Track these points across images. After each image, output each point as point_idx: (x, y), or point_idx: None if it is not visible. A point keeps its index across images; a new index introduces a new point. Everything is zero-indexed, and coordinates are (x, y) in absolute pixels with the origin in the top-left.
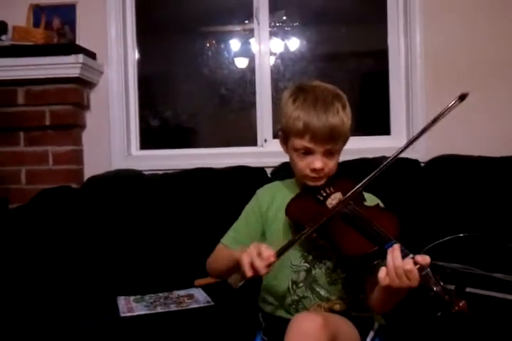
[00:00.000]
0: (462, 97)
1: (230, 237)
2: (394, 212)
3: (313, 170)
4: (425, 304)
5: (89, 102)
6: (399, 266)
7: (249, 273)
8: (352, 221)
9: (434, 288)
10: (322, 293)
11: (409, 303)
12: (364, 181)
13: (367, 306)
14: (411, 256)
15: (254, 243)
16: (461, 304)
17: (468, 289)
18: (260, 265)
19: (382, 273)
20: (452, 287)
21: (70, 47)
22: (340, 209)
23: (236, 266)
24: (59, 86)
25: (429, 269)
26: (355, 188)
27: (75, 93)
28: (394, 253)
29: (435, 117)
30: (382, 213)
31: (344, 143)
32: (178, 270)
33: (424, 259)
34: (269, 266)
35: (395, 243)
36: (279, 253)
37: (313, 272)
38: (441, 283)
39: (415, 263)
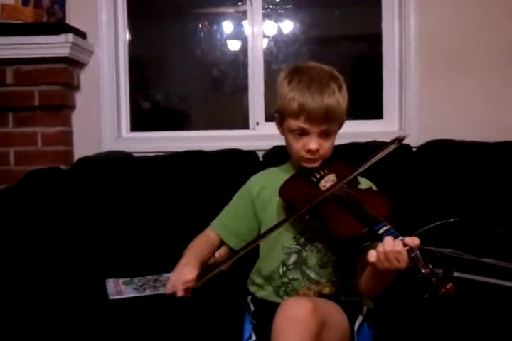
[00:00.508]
0: (400, 140)
1: (220, 222)
2: (386, 196)
3: (309, 151)
4: (412, 286)
5: (79, 83)
6: (389, 246)
7: (168, 290)
8: (344, 203)
9: (422, 270)
10: (312, 275)
11: (398, 287)
12: (358, 167)
13: (356, 290)
14: (400, 237)
15: (183, 263)
16: (448, 286)
17: (457, 274)
18: (179, 287)
19: (371, 253)
20: (440, 271)
21: (60, 27)
22: (333, 192)
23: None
24: (48, 66)
25: (418, 251)
26: (351, 176)
27: (65, 73)
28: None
29: (371, 156)
30: (375, 196)
31: (340, 125)
32: (168, 252)
33: (413, 241)
34: (189, 289)
35: (386, 225)
36: (240, 250)
37: (304, 254)
38: (430, 266)
39: (404, 244)
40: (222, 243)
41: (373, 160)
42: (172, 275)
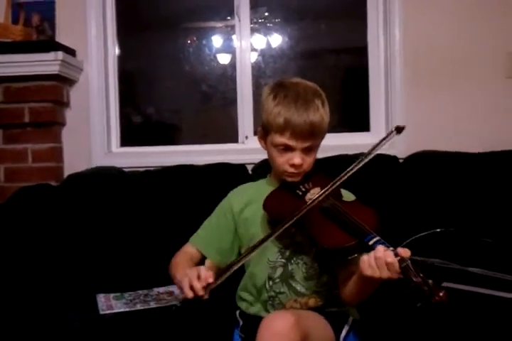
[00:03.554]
0: (398, 130)
1: (199, 237)
2: (372, 207)
3: (292, 165)
4: (405, 295)
5: (69, 99)
6: (381, 258)
7: (189, 294)
8: (332, 215)
9: (414, 279)
10: (298, 288)
11: (384, 297)
12: (342, 175)
13: (341, 301)
14: (391, 248)
15: (194, 266)
16: (441, 294)
17: (446, 284)
18: (197, 286)
19: (364, 264)
20: (430, 280)
21: (49, 44)
22: (319, 204)
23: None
24: (38, 83)
25: (409, 261)
26: (334, 181)
27: (55, 90)
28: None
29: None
30: (361, 207)
31: (322, 139)
32: (158, 267)
33: (405, 252)
34: (207, 287)
35: (375, 236)
36: (233, 263)
37: (289, 268)
38: (421, 275)
39: (396, 255)
40: (201, 259)
41: (356, 168)
42: (184, 281)
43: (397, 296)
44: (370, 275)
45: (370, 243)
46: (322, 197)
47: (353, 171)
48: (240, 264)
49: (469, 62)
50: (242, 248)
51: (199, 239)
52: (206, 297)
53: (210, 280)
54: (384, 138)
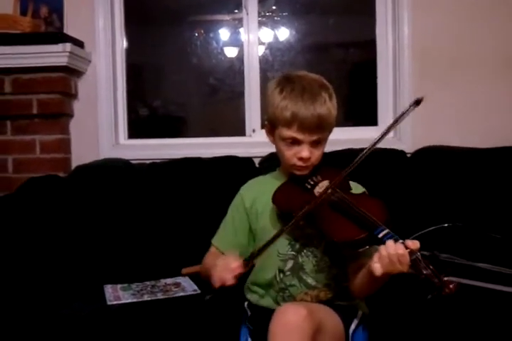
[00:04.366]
0: (417, 102)
1: (219, 237)
2: (380, 199)
3: (301, 158)
4: (416, 287)
5: (77, 91)
6: (391, 250)
7: (217, 283)
8: (340, 208)
9: (424, 272)
10: (309, 280)
11: (393, 291)
12: (349, 167)
13: (351, 294)
14: (401, 241)
15: (224, 256)
16: (451, 286)
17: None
18: (227, 276)
19: (376, 267)
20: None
21: (58, 36)
22: (328, 197)
23: None
24: (46, 75)
25: (419, 253)
26: (346, 169)
27: (63, 82)
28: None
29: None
30: (369, 200)
31: (330, 132)
32: (166, 258)
33: (414, 244)
34: (237, 276)
35: (385, 229)
36: (254, 255)
37: (300, 260)
38: (431, 267)
39: (406, 247)
40: None
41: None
42: (214, 272)
43: (407, 289)
44: (384, 271)
45: (380, 235)
46: (329, 190)
47: (363, 157)
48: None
49: (478, 57)
50: (257, 242)
51: (217, 237)
52: (235, 283)
53: (239, 270)
54: (404, 113)
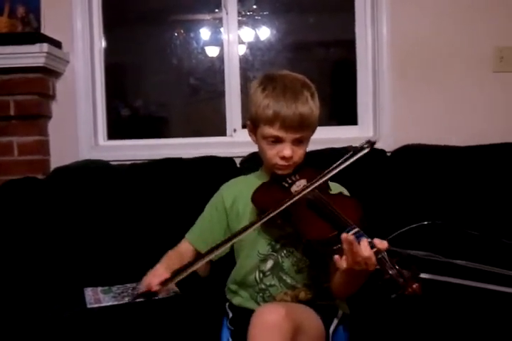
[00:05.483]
0: (371, 144)
1: (194, 233)
2: (358, 199)
3: (283, 157)
4: (380, 287)
5: (55, 92)
6: (356, 252)
7: (142, 288)
8: (315, 207)
9: (390, 271)
10: (289, 281)
11: (374, 292)
12: (327, 171)
13: (331, 294)
14: (369, 239)
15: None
16: (414, 286)
17: (425, 275)
18: (153, 282)
19: (337, 258)
20: (407, 272)
21: (35, 36)
22: (304, 196)
23: None
24: (24, 75)
25: (385, 253)
26: (321, 179)
27: (40, 83)
28: (348, 238)
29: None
30: (345, 200)
31: (312, 132)
32: (146, 260)
33: (381, 243)
34: (162, 283)
35: (354, 227)
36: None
37: (280, 260)
38: (397, 267)
39: (372, 246)
40: (196, 253)
41: (345, 165)
42: (146, 277)
43: (374, 287)
44: (348, 267)
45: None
46: (307, 189)
47: (343, 167)
48: (207, 259)
49: (456, 57)
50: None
51: (191, 232)
52: (161, 290)
53: (166, 275)
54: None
